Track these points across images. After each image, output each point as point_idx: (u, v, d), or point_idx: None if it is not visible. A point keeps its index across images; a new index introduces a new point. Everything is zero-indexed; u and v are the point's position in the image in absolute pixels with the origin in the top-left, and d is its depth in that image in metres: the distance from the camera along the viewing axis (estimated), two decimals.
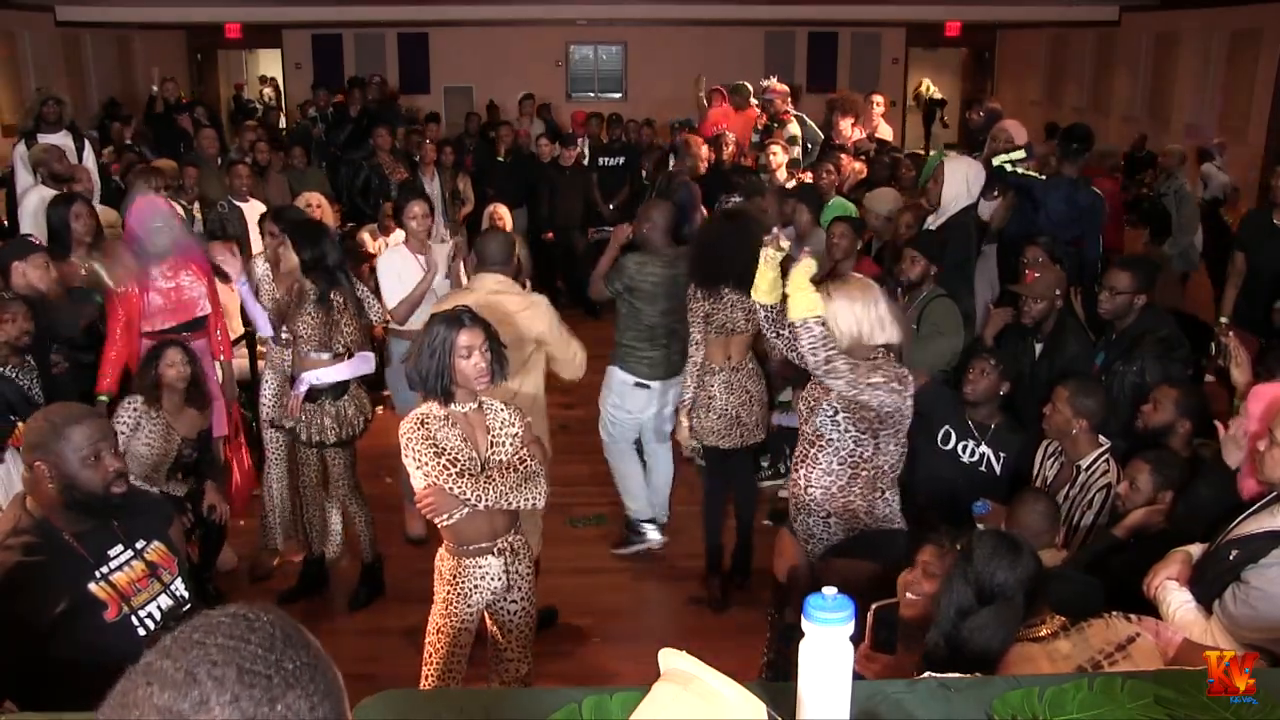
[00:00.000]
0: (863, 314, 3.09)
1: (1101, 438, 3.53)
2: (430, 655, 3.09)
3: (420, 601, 3.21)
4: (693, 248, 4.44)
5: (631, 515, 4.83)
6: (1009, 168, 5.20)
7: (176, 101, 10.29)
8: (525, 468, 2.97)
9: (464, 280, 4.91)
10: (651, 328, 4.55)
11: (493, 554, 3.03)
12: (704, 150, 7.48)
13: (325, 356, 4.16)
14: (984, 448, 3.84)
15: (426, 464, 2.86)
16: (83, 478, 2.33)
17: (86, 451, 2.33)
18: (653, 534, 4.82)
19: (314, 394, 4.17)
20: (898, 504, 3.23)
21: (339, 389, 4.22)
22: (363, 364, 4.30)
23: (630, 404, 4.68)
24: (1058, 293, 4.13)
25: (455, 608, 3.04)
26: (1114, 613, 2.30)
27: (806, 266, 3.08)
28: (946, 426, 3.91)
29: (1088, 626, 2.25)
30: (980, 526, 3.15)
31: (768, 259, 3.24)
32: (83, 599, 2.33)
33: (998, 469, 3.83)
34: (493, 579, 3.04)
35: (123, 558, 2.44)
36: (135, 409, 3.92)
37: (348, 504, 4.46)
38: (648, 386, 4.62)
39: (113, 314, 4.32)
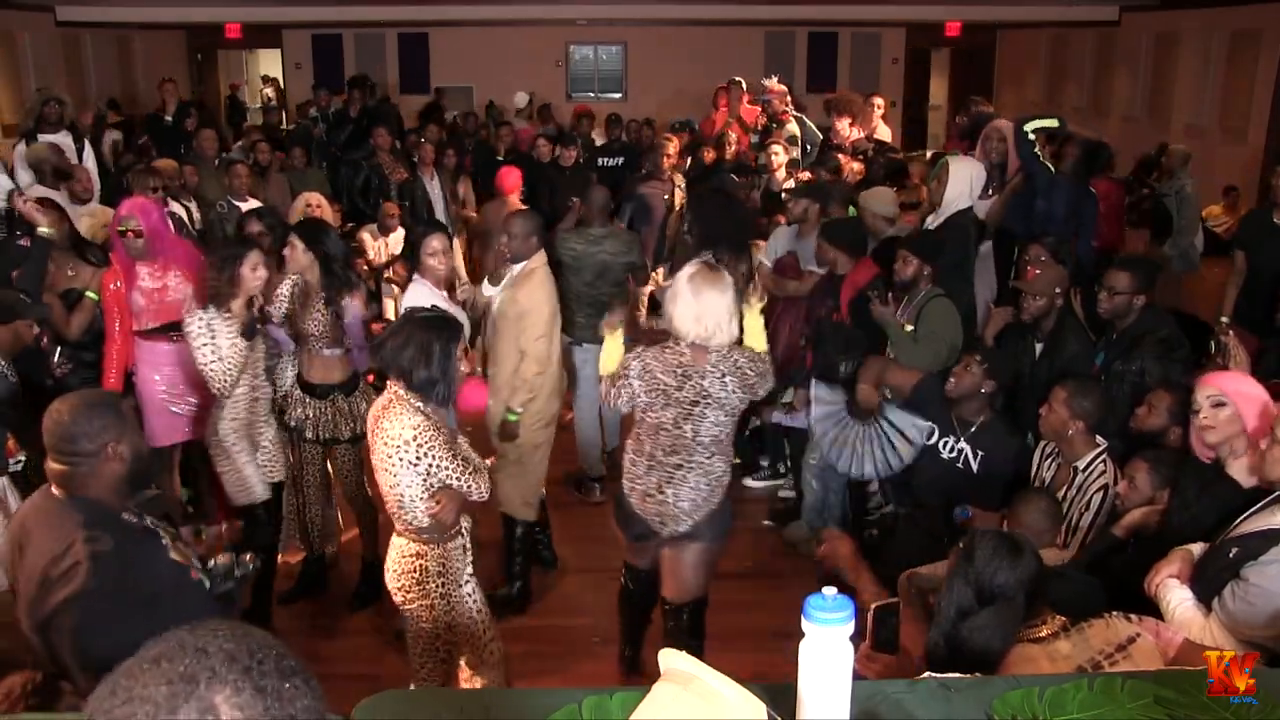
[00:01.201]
0: (678, 299, 3.28)
1: (1099, 438, 3.53)
2: (437, 654, 3.16)
3: None
4: (689, 220, 5.14)
5: (584, 470, 5.55)
6: (1032, 136, 5.19)
7: (179, 103, 10.27)
8: (481, 460, 3.12)
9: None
10: (578, 295, 5.11)
11: (461, 534, 3.13)
12: (672, 148, 7.87)
13: (338, 353, 4.15)
14: (962, 444, 3.85)
15: (447, 467, 2.90)
16: (142, 447, 2.43)
17: (136, 422, 2.45)
18: (597, 496, 5.42)
19: (325, 391, 4.17)
20: (642, 473, 3.42)
21: (350, 385, 4.22)
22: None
23: (571, 359, 5.20)
24: (1058, 291, 4.13)
25: (453, 591, 3.09)
26: (1114, 613, 2.30)
27: (617, 336, 3.55)
28: (930, 422, 3.94)
29: (1088, 627, 2.25)
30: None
31: (612, 334, 3.55)
32: (172, 566, 2.35)
33: (974, 466, 3.84)
34: (463, 554, 3.13)
35: (160, 532, 2.48)
36: (202, 318, 3.72)
37: (354, 502, 4.44)
38: (580, 345, 5.18)
39: (109, 312, 4.32)
